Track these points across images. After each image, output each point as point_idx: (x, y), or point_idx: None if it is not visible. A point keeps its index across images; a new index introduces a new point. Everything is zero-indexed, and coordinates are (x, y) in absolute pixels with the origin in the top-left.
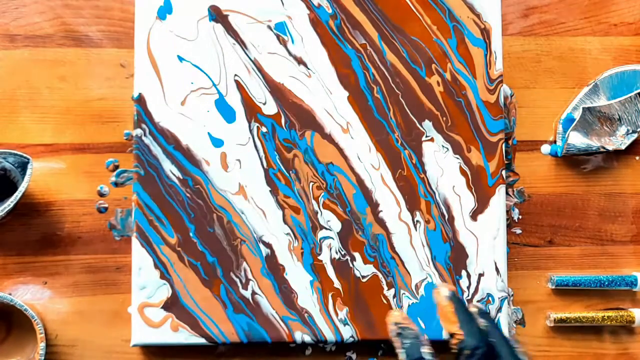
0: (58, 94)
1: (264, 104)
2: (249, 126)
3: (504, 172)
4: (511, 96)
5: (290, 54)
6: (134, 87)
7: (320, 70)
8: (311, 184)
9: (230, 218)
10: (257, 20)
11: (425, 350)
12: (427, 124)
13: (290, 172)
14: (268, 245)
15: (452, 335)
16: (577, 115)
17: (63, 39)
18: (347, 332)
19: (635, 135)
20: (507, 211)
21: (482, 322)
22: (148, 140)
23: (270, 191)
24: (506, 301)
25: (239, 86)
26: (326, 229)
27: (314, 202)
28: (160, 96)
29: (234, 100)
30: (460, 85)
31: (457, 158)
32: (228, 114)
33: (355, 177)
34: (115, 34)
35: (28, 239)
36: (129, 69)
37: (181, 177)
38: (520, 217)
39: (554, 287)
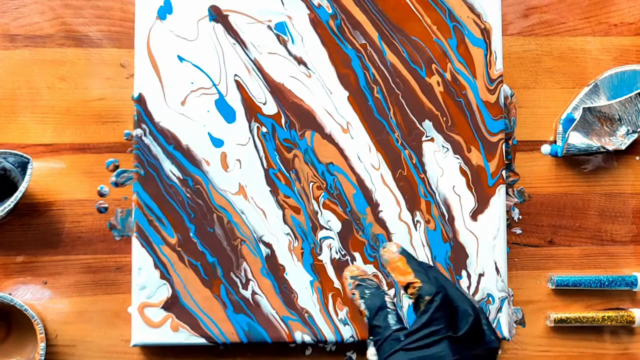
0: (58, 94)
1: (264, 104)
2: (249, 126)
3: (504, 172)
4: (511, 96)
5: (290, 54)
6: (134, 87)
7: (320, 70)
8: (311, 184)
9: (231, 218)
10: (257, 20)
11: (388, 299)
12: (427, 124)
13: (291, 172)
14: (268, 245)
15: (407, 286)
16: (577, 115)
17: (63, 39)
18: (347, 332)
19: (636, 135)
20: (507, 211)
21: (433, 273)
22: (148, 140)
23: (270, 191)
24: (506, 301)
25: (239, 86)
26: (326, 229)
27: (314, 202)
28: (160, 96)
29: (234, 100)
30: (461, 85)
31: (457, 158)
32: (228, 114)
33: (356, 177)
34: (116, 34)
35: (28, 239)
36: (129, 69)
37: (181, 177)
38: (520, 217)
39: (554, 287)
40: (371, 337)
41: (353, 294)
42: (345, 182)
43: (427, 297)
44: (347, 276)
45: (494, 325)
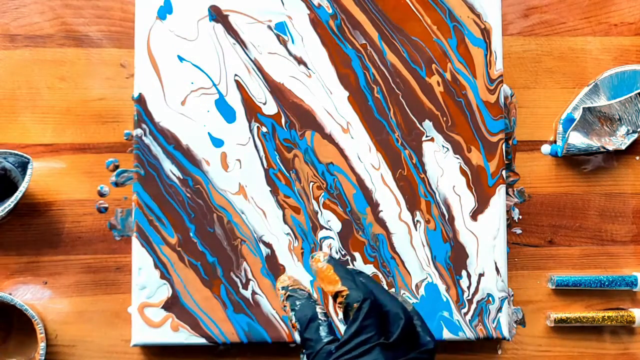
0: (58, 94)
1: (264, 104)
2: (249, 126)
3: (504, 172)
4: (511, 96)
5: (290, 54)
6: (134, 87)
7: (321, 70)
8: (311, 184)
9: (231, 218)
10: (257, 20)
11: (319, 310)
12: (427, 124)
13: (291, 172)
14: (268, 245)
15: (336, 295)
16: (577, 115)
17: (63, 39)
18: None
19: (636, 135)
20: (507, 211)
21: (361, 278)
22: (148, 140)
23: (270, 191)
24: (506, 301)
25: (239, 86)
26: (326, 229)
27: (314, 202)
28: (160, 96)
29: (234, 100)
30: (461, 85)
31: (457, 158)
32: (228, 114)
33: (356, 177)
34: (116, 34)
35: (28, 239)
36: (129, 69)
37: (181, 177)
38: (520, 217)
39: (554, 287)
40: (303, 351)
41: (284, 306)
42: (345, 182)
43: (355, 305)
44: (278, 287)
45: (493, 325)
